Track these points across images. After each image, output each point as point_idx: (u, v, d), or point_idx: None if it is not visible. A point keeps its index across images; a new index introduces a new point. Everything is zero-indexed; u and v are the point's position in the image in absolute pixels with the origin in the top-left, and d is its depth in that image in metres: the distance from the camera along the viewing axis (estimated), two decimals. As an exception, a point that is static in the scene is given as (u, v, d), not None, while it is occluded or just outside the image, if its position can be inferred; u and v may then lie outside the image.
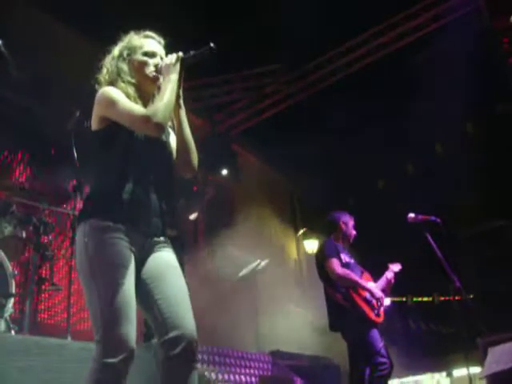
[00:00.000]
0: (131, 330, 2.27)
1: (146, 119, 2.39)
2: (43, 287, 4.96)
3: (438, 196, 8.09)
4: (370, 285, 5.15)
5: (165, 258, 2.52)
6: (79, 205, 4.77)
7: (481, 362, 5.78)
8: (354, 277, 5.04)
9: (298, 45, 7.74)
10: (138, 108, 2.46)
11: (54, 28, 6.80)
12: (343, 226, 5.40)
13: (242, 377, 6.09)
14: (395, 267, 5.44)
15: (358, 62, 8.84)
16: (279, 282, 9.84)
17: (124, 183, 2.44)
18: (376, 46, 8.62)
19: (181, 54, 2.60)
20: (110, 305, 2.25)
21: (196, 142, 2.70)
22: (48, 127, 6.16)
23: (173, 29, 2.74)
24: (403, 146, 8.79)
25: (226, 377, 5.83)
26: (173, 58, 2.58)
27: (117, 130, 2.47)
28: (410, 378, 8.33)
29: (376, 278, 5.35)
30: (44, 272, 5.00)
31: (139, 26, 2.76)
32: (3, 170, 6.53)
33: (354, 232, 5.46)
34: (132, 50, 2.67)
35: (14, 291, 4.54)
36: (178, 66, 2.57)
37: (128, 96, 2.53)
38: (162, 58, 2.66)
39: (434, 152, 9.50)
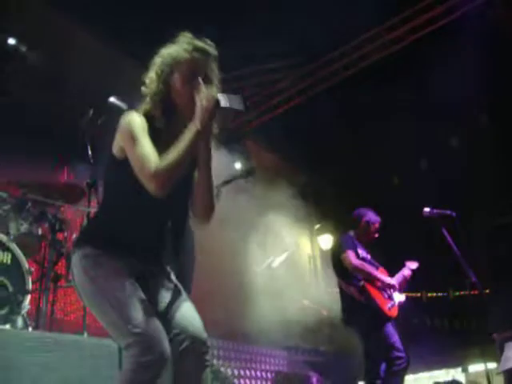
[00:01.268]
0: (155, 325, 2.20)
1: (152, 176, 2.19)
2: (59, 284, 4.99)
3: (453, 191, 8.06)
4: (386, 277, 5.16)
5: (168, 286, 2.46)
6: (94, 202, 4.80)
7: (497, 357, 5.75)
8: (370, 268, 5.06)
9: (311, 39, 7.70)
10: (149, 159, 2.22)
11: (68, 28, 6.83)
12: (365, 225, 5.41)
13: (258, 372, 6.11)
14: (412, 265, 5.44)
15: (370, 56, 8.79)
16: (293, 277, 9.84)
17: (130, 216, 2.36)
18: (389, 40, 8.57)
19: (225, 96, 2.28)
20: (126, 307, 2.19)
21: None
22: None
23: (183, 23, 2.58)
24: (417, 140, 8.75)
25: (242, 372, 5.85)
26: (210, 98, 2.26)
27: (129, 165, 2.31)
28: (425, 374, 8.31)
29: (392, 274, 5.34)
30: (60, 269, 5.02)
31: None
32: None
33: (375, 235, 5.45)
34: (177, 65, 2.38)
35: (30, 288, 4.57)
36: (212, 108, 2.25)
37: (148, 114, 2.35)
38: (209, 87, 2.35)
39: (448, 146, 9.45)
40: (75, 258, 2.37)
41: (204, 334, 2.39)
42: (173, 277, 2.52)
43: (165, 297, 2.42)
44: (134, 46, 6.55)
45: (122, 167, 2.32)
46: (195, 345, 2.34)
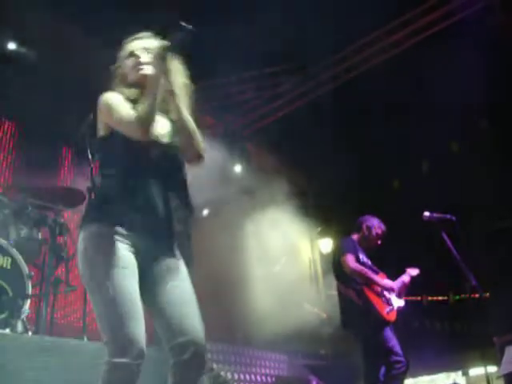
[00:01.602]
0: (139, 328, 2.26)
1: (133, 123, 2.41)
2: (59, 288, 5.00)
3: (453, 194, 8.06)
4: (385, 281, 5.16)
5: (169, 264, 2.51)
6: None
7: (497, 360, 5.75)
8: (368, 272, 5.06)
9: (311, 43, 7.70)
10: (128, 114, 2.45)
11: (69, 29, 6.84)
12: (365, 231, 5.41)
13: (258, 376, 6.10)
14: (413, 271, 5.44)
15: (370, 59, 8.78)
16: (294, 281, 9.84)
17: (126, 188, 2.46)
18: (389, 44, 8.57)
19: (165, 42, 2.55)
20: (115, 305, 2.26)
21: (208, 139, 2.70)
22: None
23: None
24: (417, 144, 8.74)
25: (242, 376, 5.84)
26: (157, 46, 2.56)
27: (119, 137, 2.49)
28: (426, 378, 8.30)
29: (392, 279, 5.35)
30: (60, 273, 5.04)
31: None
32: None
33: (377, 242, 5.45)
34: (126, 54, 2.73)
35: (30, 292, 4.58)
36: (164, 56, 2.53)
37: (128, 98, 2.56)
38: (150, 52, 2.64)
39: (449, 150, 9.44)
40: (80, 239, 2.43)
41: (203, 336, 2.41)
42: (178, 254, 2.57)
43: (165, 287, 2.46)
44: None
45: (112, 141, 2.51)
46: (197, 356, 2.37)
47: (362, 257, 5.23)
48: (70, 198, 5.11)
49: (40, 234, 4.95)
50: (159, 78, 2.52)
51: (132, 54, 2.70)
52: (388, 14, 7.80)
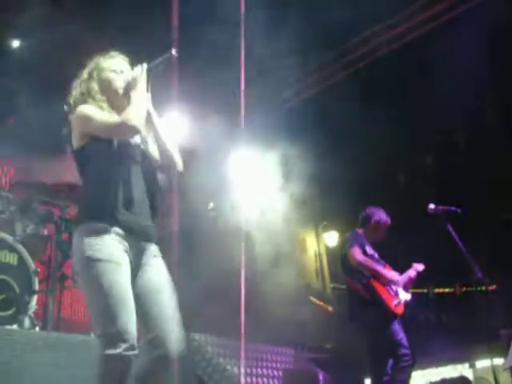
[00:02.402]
0: (131, 322, 2.39)
1: (121, 124, 2.58)
2: (65, 284, 5.02)
3: (458, 188, 8.04)
4: (391, 274, 5.16)
5: (156, 271, 2.67)
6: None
7: (504, 353, 5.74)
8: (374, 264, 5.06)
9: (317, 35, 7.63)
10: (112, 117, 2.67)
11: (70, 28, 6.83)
12: (373, 224, 5.40)
13: (265, 370, 6.12)
14: (419, 267, 5.42)
15: (373, 53, 8.73)
16: (299, 274, 9.86)
17: (116, 190, 2.60)
18: (392, 37, 8.50)
19: (145, 65, 2.78)
20: (108, 300, 2.37)
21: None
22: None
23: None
24: (423, 136, 8.71)
25: (249, 370, 5.86)
26: (138, 69, 2.77)
27: (98, 143, 2.65)
28: (433, 370, 8.30)
29: (399, 272, 5.34)
30: (66, 269, 5.05)
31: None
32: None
33: (383, 235, 5.44)
34: (101, 70, 2.85)
35: (36, 288, 4.60)
36: (144, 77, 2.74)
37: (102, 109, 2.73)
38: (128, 73, 2.83)
39: (454, 142, 9.42)
40: (76, 236, 2.56)
41: (178, 336, 2.56)
42: (157, 253, 2.72)
43: (147, 282, 2.60)
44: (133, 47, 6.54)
45: (91, 148, 2.66)
46: (168, 354, 2.50)
47: (368, 249, 5.23)
48: (76, 194, 5.11)
49: (46, 231, 4.97)
50: (142, 96, 2.72)
51: (115, 71, 2.84)
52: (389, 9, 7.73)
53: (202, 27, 6.33)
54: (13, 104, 6.19)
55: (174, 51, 2.81)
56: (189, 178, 6.41)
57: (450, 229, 4.81)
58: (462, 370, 7.94)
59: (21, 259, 4.56)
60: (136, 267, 2.59)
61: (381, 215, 5.46)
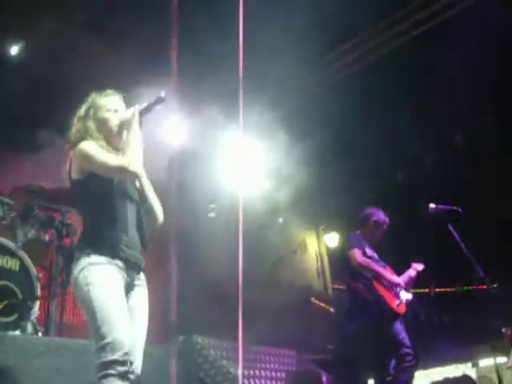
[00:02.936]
0: (127, 335, 2.63)
1: (123, 168, 2.78)
2: (67, 289, 5.02)
3: (459, 186, 8.05)
4: (391, 276, 5.17)
5: (140, 301, 2.92)
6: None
7: (507, 351, 5.75)
8: (375, 266, 5.07)
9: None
10: (113, 158, 2.83)
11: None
12: (372, 225, 5.41)
13: (268, 372, 6.12)
14: (418, 266, 5.44)
15: (379, 48, 8.66)
16: (300, 275, 9.87)
17: (118, 228, 2.84)
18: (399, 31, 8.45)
19: (137, 106, 2.99)
20: (111, 317, 2.62)
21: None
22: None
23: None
24: (422, 136, 8.70)
25: (252, 372, 5.86)
26: (131, 111, 2.98)
27: (98, 179, 2.83)
28: (436, 370, 8.30)
29: (399, 273, 5.35)
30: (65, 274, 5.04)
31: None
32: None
33: (381, 235, 5.45)
34: (97, 108, 3.05)
35: (39, 294, 4.60)
36: (136, 118, 2.95)
37: (102, 147, 2.89)
38: (123, 112, 3.04)
39: (454, 140, 9.42)
40: (79, 266, 2.76)
41: (139, 369, 2.79)
42: (144, 282, 2.98)
43: (131, 308, 2.83)
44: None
45: (89, 181, 2.85)
46: (135, 381, 2.67)
47: (368, 251, 5.24)
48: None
49: (47, 236, 4.97)
50: (138, 133, 2.93)
51: (110, 111, 3.03)
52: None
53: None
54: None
55: (163, 94, 2.96)
56: (189, 178, 6.43)
57: (451, 228, 4.81)
58: (465, 369, 7.94)
59: (22, 265, 4.56)
60: (127, 292, 2.85)
61: (379, 215, 5.47)
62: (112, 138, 3.00)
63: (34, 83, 6.18)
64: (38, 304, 4.54)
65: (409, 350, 4.84)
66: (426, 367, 7.86)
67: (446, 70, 7.45)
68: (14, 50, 6.65)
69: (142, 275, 2.97)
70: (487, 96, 8.17)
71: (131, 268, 2.86)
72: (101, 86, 3.18)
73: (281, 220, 9.88)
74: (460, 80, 7.38)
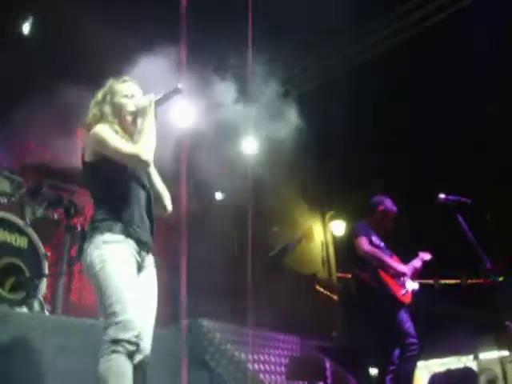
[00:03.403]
0: (138, 319, 2.66)
1: (136, 156, 2.80)
2: (74, 268, 5.04)
3: (468, 176, 8.00)
4: (398, 265, 5.16)
5: (150, 281, 2.96)
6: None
7: (510, 345, 5.74)
8: (381, 255, 5.05)
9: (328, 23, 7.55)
10: (127, 146, 2.85)
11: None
12: (380, 213, 5.39)
13: (272, 357, 6.14)
14: (425, 256, 5.42)
15: (386, 41, 8.64)
16: (306, 263, 9.86)
17: (133, 210, 2.89)
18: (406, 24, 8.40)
19: (153, 96, 3.01)
20: (123, 294, 2.65)
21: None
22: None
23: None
24: (433, 124, 8.65)
25: (256, 357, 5.88)
26: (147, 99, 3.00)
27: (113, 163, 2.86)
28: (437, 361, 8.31)
29: (406, 262, 5.33)
30: (75, 253, 5.06)
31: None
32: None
33: (390, 224, 5.42)
34: (113, 94, 3.09)
35: (46, 272, 4.61)
36: (152, 107, 2.98)
37: (116, 132, 2.92)
38: (138, 98, 3.07)
39: (462, 131, 9.35)
40: (93, 244, 2.78)
41: (148, 344, 2.82)
42: (153, 263, 3.02)
43: (142, 289, 2.86)
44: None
45: (107, 166, 2.87)
46: (144, 362, 2.76)
47: (375, 239, 5.22)
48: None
49: (55, 215, 4.98)
50: (153, 121, 2.96)
51: (126, 96, 3.06)
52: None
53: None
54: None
55: (180, 85, 2.98)
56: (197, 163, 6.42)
57: (460, 219, 4.79)
58: (467, 361, 7.95)
59: (31, 243, 4.57)
60: (138, 272, 2.88)
61: (387, 204, 5.44)
62: (127, 124, 3.04)
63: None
64: (45, 282, 4.55)
65: (414, 340, 4.85)
66: (426, 358, 7.87)
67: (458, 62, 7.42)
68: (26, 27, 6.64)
69: (151, 257, 3.00)
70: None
71: (142, 248, 2.88)
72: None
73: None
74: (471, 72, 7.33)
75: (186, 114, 6.38)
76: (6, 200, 4.69)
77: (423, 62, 8.00)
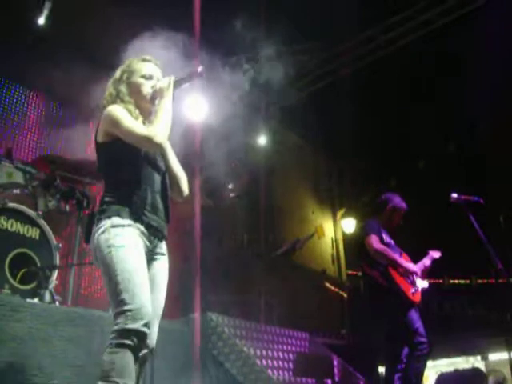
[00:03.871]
0: (148, 302, 2.58)
1: (149, 139, 2.72)
2: (85, 260, 5.06)
3: (480, 176, 7.98)
4: (408, 264, 5.13)
5: (161, 269, 2.88)
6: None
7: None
8: (391, 253, 5.03)
9: (337, 22, 7.59)
10: (140, 128, 2.77)
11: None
12: (390, 211, 5.36)
13: (280, 353, 6.14)
14: (435, 254, 5.39)
15: (397, 40, 8.64)
16: (316, 260, 9.86)
17: (145, 194, 2.80)
18: (415, 26, 8.40)
19: (173, 77, 2.95)
20: (131, 280, 2.56)
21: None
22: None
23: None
24: (445, 125, 8.63)
25: (264, 353, 5.88)
26: (166, 81, 2.93)
27: (126, 145, 2.78)
28: (445, 361, 8.31)
29: (416, 260, 5.31)
30: (86, 245, 5.08)
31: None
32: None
33: (399, 222, 5.40)
34: (131, 73, 3.00)
35: (58, 263, 4.63)
36: (171, 89, 2.92)
37: (130, 113, 2.85)
38: (158, 80, 2.99)
39: (476, 132, 9.31)
40: (101, 228, 2.70)
41: (154, 342, 2.75)
42: (165, 251, 2.93)
43: (152, 276, 2.79)
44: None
45: (120, 147, 2.80)
46: (147, 355, 2.70)
47: (385, 237, 5.20)
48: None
49: (68, 207, 5.00)
50: (170, 103, 2.89)
51: (144, 76, 2.98)
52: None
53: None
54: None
55: (201, 68, 2.92)
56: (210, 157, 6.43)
57: (472, 219, 4.76)
58: (475, 361, 7.95)
59: (43, 234, 4.59)
60: (148, 260, 2.77)
61: (397, 201, 5.42)
62: (143, 104, 2.96)
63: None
64: (56, 273, 4.57)
65: (423, 339, 4.82)
66: (434, 358, 7.86)
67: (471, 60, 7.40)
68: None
69: (164, 244, 2.92)
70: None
71: (153, 234, 2.80)
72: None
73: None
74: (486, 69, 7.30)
75: (198, 107, 6.38)
76: (18, 191, 4.72)
77: (447, 62, 7.98)
